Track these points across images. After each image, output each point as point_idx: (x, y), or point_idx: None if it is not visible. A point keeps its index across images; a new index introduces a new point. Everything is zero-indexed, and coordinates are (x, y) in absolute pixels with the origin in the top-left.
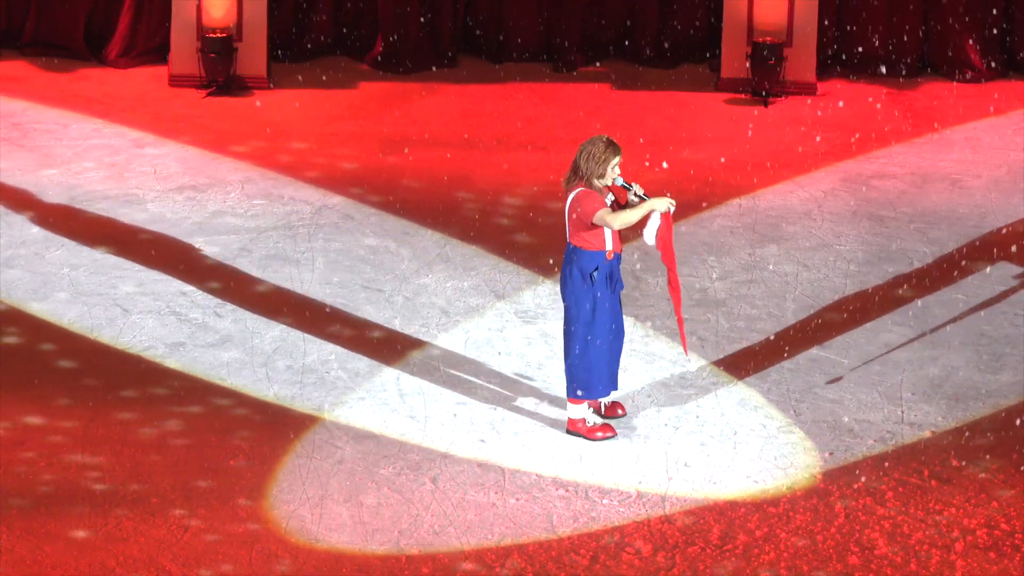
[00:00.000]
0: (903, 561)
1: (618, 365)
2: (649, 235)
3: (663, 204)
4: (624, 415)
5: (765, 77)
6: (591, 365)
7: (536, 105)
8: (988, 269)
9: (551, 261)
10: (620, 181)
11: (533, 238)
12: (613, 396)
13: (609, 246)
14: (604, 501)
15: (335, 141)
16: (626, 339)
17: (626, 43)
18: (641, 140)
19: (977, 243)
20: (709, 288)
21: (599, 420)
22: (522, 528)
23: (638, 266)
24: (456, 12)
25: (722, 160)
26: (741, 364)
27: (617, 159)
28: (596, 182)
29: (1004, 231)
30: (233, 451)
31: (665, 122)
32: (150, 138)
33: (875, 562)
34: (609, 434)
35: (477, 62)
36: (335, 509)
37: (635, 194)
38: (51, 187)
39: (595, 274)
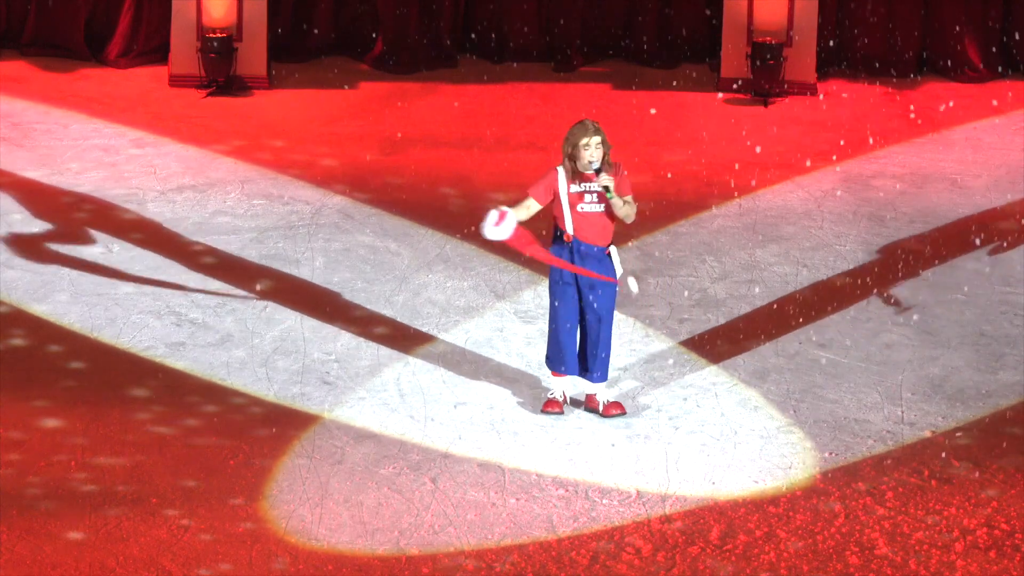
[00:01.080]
0: (903, 561)
1: (591, 353)
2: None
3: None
4: (621, 414)
5: (765, 77)
6: (549, 337)
7: (536, 105)
8: (988, 269)
9: None
10: (594, 166)
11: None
12: (613, 395)
13: (568, 229)
14: (604, 501)
15: (335, 141)
16: (627, 339)
17: (626, 43)
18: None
19: (977, 243)
20: (709, 288)
21: (560, 396)
22: (522, 528)
23: (638, 266)
24: (456, 12)
25: (722, 160)
26: (741, 364)
27: (586, 139)
28: (576, 165)
29: (1004, 230)
30: (233, 451)
31: (665, 122)
32: (150, 138)
33: (875, 562)
34: (553, 410)
35: (477, 62)
36: (335, 509)
37: (600, 183)
38: (51, 187)
39: (551, 249)
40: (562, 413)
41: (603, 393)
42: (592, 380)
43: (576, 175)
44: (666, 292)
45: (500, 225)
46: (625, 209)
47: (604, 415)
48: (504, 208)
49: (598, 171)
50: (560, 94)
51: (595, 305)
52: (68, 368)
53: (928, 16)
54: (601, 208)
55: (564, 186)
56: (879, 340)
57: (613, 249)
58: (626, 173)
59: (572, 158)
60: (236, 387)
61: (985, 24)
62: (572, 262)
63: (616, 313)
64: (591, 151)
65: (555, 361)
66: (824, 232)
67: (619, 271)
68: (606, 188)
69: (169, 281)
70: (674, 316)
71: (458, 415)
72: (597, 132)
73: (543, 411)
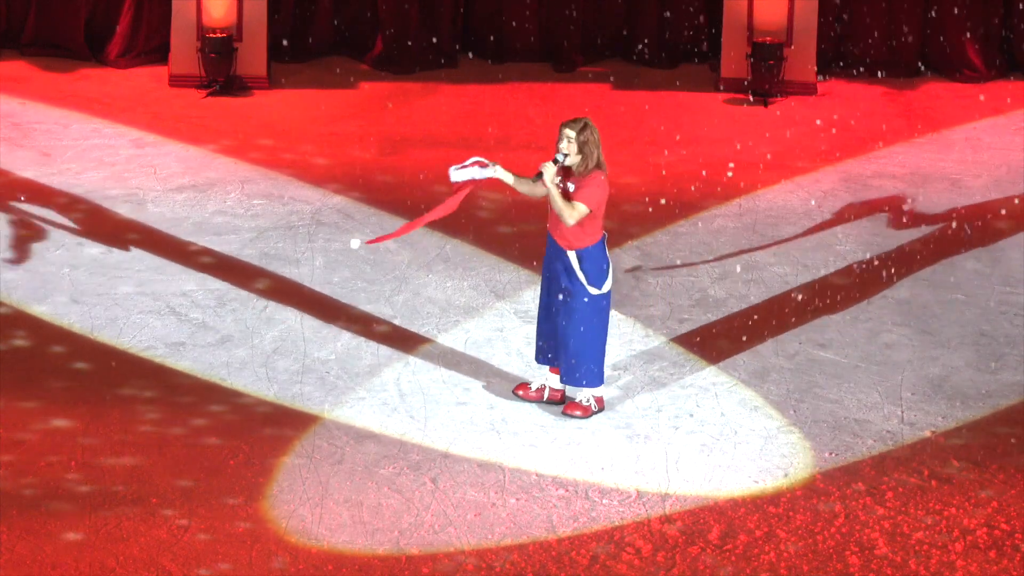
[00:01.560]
0: (903, 561)
1: (558, 352)
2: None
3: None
4: (581, 416)
5: (765, 77)
6: None
7: (536, 105)
8: (988, 269)
9: None
10: (557, 157)
11: (533, 237)
12: (586, 397)
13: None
14: (604, 501)
15: (335, 141)
16: (627, 339)
17: (626, 43)
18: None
19: (977, 243)
20: (709, 288)
21: (537, 384)
22: (522, 528)
23: (638, 266)
24: (456, 12)
25: (722, 160)
26: (741, 364)
27: (562, 130)
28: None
29: (1004, 230)
30: (233, 451)
31: (665, 122)
32: (150, 138)
33: (875, 562)
34: (518, 391)
35: (477, 62)
36: (335, 509)
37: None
38: (51, 187)
39: None
40: (527, 399)
41: (581, 393)
42: (561, 380)
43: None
44: (666, 292)
45: (461, 170)
46: (560, 206)
47: (564, 412)
48: (488, 165)
49: (555, 161)
50: (560, 94)
51: (558, 305)
52: (68, 368)
53: (928, 16)
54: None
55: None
56: (879, 340)
57: (571, 254)
58: (593, 185)
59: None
60: (236, 387)
61: (985, 24)
62: (546, 252)
63: (615, 313)
64: (563, 142)
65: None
66: (824, 232)
67: (584, 281)
68: (539, 173)
69: (169, 281)
70: (674, 316)
71: (458, 415)
72: (575, 128)
73: (513, 391)
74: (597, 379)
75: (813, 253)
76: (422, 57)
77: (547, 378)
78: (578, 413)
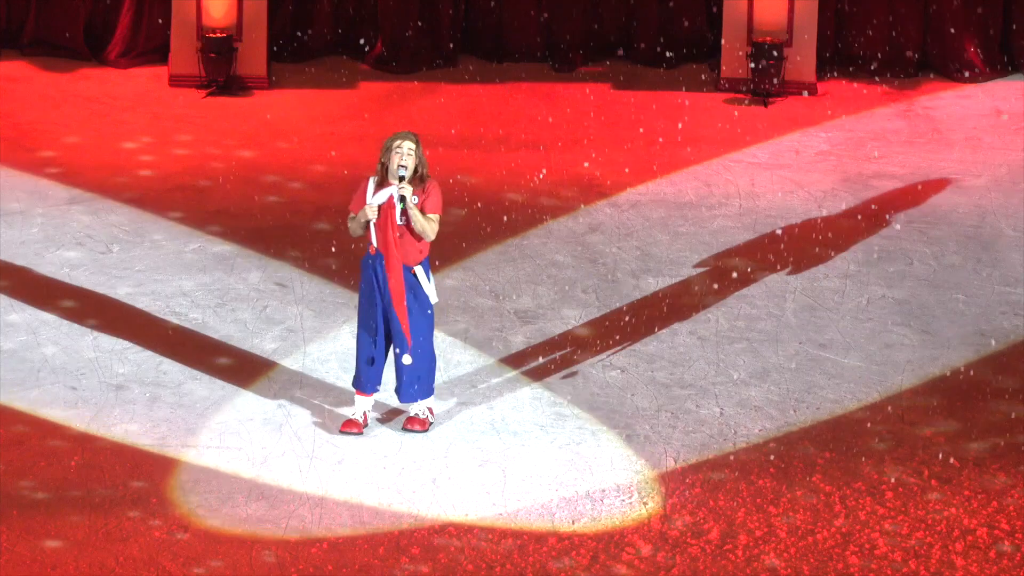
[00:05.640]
0: (903, 561)
1: (394, 370)
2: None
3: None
4: (421, 430)
5: (765, 77)
6: (356, 354)
7: (536, 105)
8: (988, 269)
9: (553, 259)
10: (400, 173)
11: (532, 238)
12: (422, 409)
13: (372, 241)
14: (604, 501)
15: (335, 141)
16: (627, 339)
17: (626, 43)
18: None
19: (977, 243)
20: (709, 288)
21: (361, 416)
22: (522, 528)
23: (638, 266)
24: (456, 12)
25: (722, 160)
26: (741, 364)
27: (398, 142)
28: (387, 172)
29: (1004, 230)
30: (232, 451)
31: (665, 122)
32: (150, 138)
33: (875, 562)
34: (351, 430)
35: (477, 62)
36: (335, 509)
37: (397, 190)
38: (51, 187)
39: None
40: (360, 434)
41: (416, 406)
42: (401, 399)
43: (384, 184)
44: (666, 292)
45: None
46: (422, 224)
47: (404, 427)
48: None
49: (402, 179)
50: (560, 94)
51: (395, 323)
52: (67, 368)
53: (928, 16)
54: (401, 221)
55: (371, 196)
56: (879, 340)
57: (419, 269)
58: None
59: (384, 165)
60: (236, 388)
61: (985, 24)
62: (376, 276)
63: (614, 313)
64: (398, 157)
65: (359, 380)
66: (824, 232)
67: (431, 294)
68: (402, 198)
69: (169, 281)
70: (674, 316)
71: (458, 415)
72: (414, 140)
73: (341, 431)
74: (432, 389)
75: (813, 253)
76: (422, 57)
77: (361, 404)
78: (418, 428)
